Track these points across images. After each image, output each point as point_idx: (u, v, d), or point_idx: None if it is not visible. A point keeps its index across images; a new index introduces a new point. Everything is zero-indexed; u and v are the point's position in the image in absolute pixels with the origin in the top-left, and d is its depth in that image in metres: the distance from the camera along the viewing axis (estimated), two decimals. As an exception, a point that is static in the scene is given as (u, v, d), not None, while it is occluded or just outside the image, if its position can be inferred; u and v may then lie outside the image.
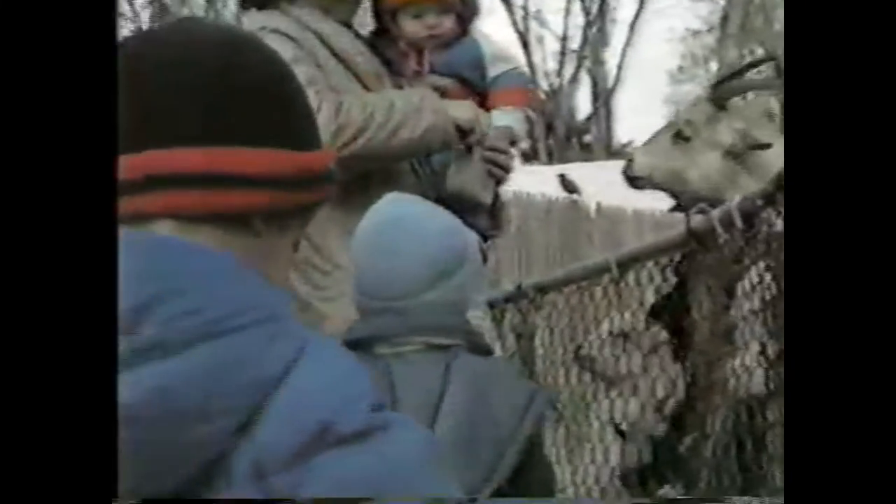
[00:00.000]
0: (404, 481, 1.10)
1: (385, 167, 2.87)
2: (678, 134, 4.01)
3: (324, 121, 2.59)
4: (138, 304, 1.06)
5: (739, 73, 3.93)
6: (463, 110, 2.86)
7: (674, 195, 4.08)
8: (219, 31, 1.26)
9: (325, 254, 2.79)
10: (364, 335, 2.26)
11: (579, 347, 3.99)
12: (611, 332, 3.81)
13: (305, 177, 1.21)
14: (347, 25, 2.92)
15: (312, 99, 2.68)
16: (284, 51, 2.65)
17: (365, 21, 3.11)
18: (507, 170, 3.10)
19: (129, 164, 1.10)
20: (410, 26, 2.90)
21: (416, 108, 2.82)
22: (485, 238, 3.02)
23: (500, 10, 27.05)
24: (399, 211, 2.32)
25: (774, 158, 3.31)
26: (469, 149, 2.97)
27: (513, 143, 3.12)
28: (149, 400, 1.04)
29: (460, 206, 2.77)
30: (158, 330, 1.06)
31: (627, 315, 3.72)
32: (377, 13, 2.96)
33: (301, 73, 2.74)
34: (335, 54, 2.79)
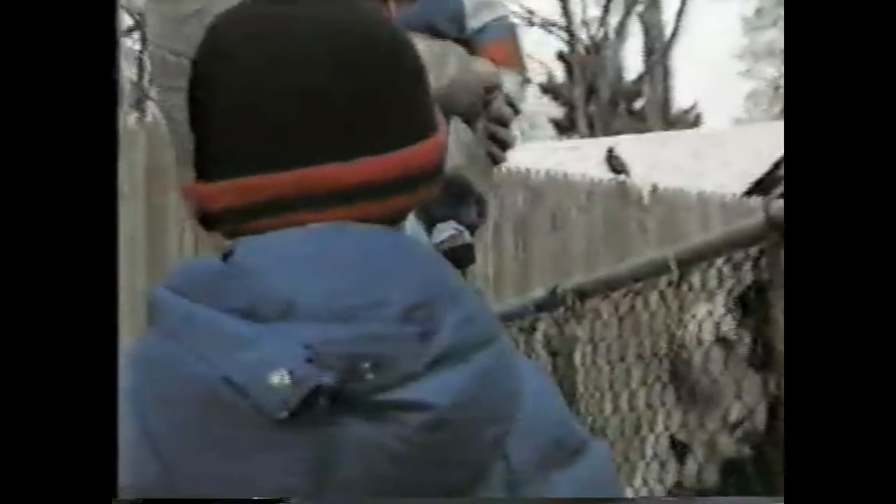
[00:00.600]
0: (610, 484, 1.51)
1: None
2: None
3: None
4: (419, 303, 1.32)
5: None
6: (485, 66, 2.88)
7: None
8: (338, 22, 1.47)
9: None
10: None
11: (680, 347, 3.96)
12: (712, 338, 3.80)
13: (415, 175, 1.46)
14: None
15: None
16: None
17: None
18: (508, 148, 3.15)
19: (338, 173, 1.38)
20: None
21: (440, 56, 2.86)
22: (471, 230, 3.06)
23: None
24: None
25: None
26: (468, 121, 3.00)
27: (515, 112, 3.18)
28: (456, 402, 1.30)
29: (448, 193, 2.77)
30: (451, 335, 1.32)
31: (725, 316, 3.72)
32: None
33: None
34: None
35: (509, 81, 3.10)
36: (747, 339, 3.48)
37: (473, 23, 3.09)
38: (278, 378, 1.25)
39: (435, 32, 3.02)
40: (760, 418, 3.52)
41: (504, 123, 3.05)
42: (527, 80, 3.17)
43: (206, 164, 1.40)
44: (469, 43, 3.13)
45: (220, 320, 1.29)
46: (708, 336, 3.70)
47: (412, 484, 1.34)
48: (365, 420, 1.30)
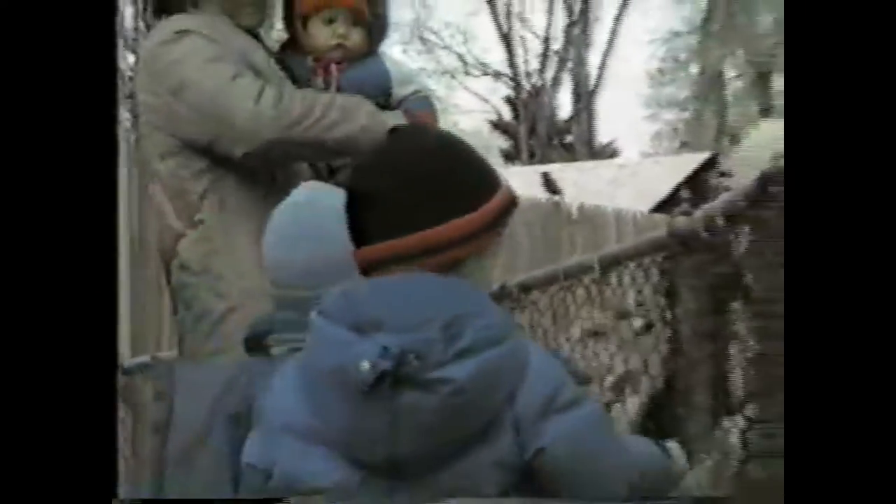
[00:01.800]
0: (602, 433, 1.83)
1: (287, 170, 2.85)
2: None
3: (264, 107, 2.67)
4: (455, 316, 1.72)
5: None
6: (395, 119, 2.84)
7: None
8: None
9: (230, 263, 2.76)
10: (271, 330, 2.20)
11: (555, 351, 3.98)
12: (584, 332, 3.81)
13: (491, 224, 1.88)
14: (255, 36, 2.91)
15: (252, 84, 2.74)
16: (205, 50, 2.71)
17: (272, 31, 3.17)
18: None
19: (430, 236, 1.79)
20: (322, 34, 2.89)
21: (353, 109, 2.82)
22: None
23: (484, 10, 27.04)
24: (317, 196, 2.25)
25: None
26: None
27: None
28: (474, 377, 1.68)
29: None
30: (474, 337, 1.70)
31: (597, 313, 3.72)
32: (288, 20, 2.95)
33: (231, 67, 2.80)
34: (252, 68, 2.78)
35: None
36: (653, 325, 3.50)
37: (398, 93, 3.04)
38: (365, 366, 1.68)
39: (364, 95, 2.97)
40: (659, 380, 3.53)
41: None
42: None
43: (366, 233, 1.83)
44: (394, 110, 2.98)
45: (341, 332, 1.75)
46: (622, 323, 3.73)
47: (447, 429, 1.70)
48: (415, 390, 1.69)
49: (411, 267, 1.78)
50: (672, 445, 2.24)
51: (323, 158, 2.90)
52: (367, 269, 1.84)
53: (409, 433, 1.70)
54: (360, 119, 2.78)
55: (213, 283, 2.76)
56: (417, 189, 1.80)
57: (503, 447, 1.71)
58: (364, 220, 1.84)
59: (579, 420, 1.75)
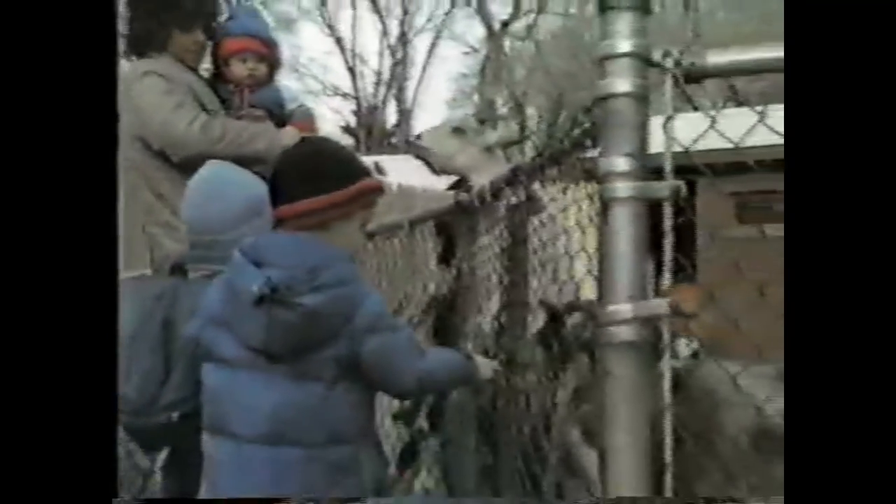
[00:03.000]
0: (403, 347, 1.92)
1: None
2: (455, 129, 4.01)
3: (195, 129, 2.81)
4: (316, 265, 1.82)
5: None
6: (289, 138, 2.96)
7: (437, 169, 4.08)
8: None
9: (175, 211, 2.84)
10: (187, 261, 2.29)
11: None
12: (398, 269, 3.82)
13: (355, 199, 1.92)
14: (195, 70, 3.02)
15: (189, 113, 2.83)
16: (160, 86, 2.81)
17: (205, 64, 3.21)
18: None
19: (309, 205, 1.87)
20: (238, 69, 3.05)
21: (260, 133, 2.99)
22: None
23: (336, 52, 27.45)
24: (218, 170, 2.34)
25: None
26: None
27: None
28: (322, 305, 1.79)
29: None
30: (325, 279, 1.80)
31: (408, 257, 3.75)
32: (215, 58, 3.07)
33: (177, 99, 2.87)
34: (195, 97, 2.91)
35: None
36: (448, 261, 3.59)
37: (289, 106, 3.23)
38: (254, 288, 1.79)
39: (269, 111, 3.13)
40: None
41: None
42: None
43: (276, 199, 1.92)
44: (286, 118, 3.18)
45: (247, 265, 1.85)
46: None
47: (302, 335, 1.81)
48: (283, 308, 1.79)
49: (299, 224, 1.88)
50: (479, 357, 2.27)
51: (243, 166, 2.94)
52: (276, 223, 1.93)
53: (277, 334, 1.80)
54: (264, 140, 2.93)
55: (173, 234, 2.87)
56: (304, 174, 1.90)
57: (340, 349, 1.81)
58: (277, 190, 1.93)
59: (389, 338, 1.85)
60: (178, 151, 2.94)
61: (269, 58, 3.16)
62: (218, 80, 3.19)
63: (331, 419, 1.81)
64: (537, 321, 2.48)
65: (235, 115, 3.08)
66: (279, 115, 3.18)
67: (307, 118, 3.27)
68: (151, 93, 2.88)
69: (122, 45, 3.11)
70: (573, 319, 2.34)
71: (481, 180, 3.11)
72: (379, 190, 1.98)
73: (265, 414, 1.80)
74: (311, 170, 1.90)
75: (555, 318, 2.44)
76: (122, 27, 2.99)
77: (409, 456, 3.54)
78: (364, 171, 1.96)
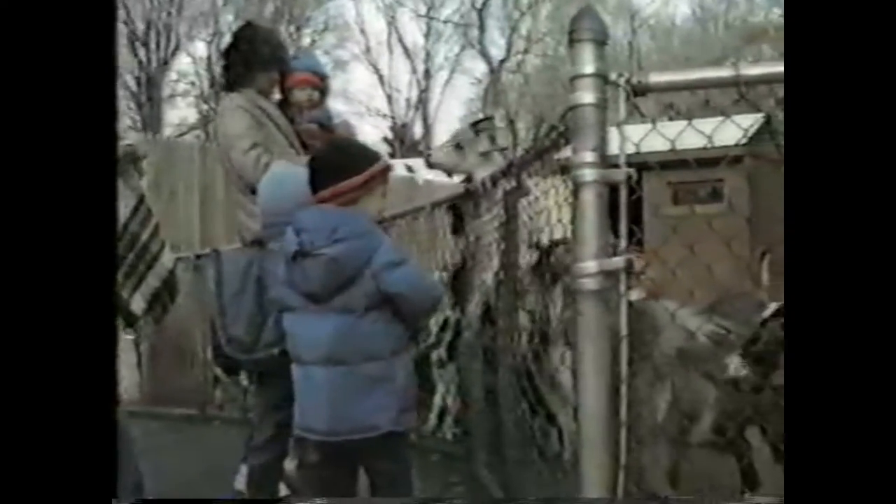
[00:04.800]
0: (417, 279, 1.90)
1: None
2: (457, 146, 3.95)
3: (249, 159, 2.73)
4: (336, 225, 1.82)
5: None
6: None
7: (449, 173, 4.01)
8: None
9: (254, 202, 2.84)
10: (263, 237, 2.27)
11: None
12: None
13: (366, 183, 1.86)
14: (267, 96, 2.97)
15: (253, 151, 2.72)
16: (245, 121, 2.77)
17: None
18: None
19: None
20: (299, 95, 3.04)
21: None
22: None
23: (377, 83, 27.49)
24: (283, 170, 2.27)
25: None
26: None
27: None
28: (341, 253, 1.80)
29: None
30: (343, 233, 1.80)
31: (429, 231, 3.72)
32: (282, 88, 3.04)
33: (252, 135, 2.86)
34: (270, 118, 2.87)
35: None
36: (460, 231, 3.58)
37: (335, 119, 3.16)
38: (293, 246, 1.84)
39: (321, 125, 3.05)
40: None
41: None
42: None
43: (316, 186, 1.92)
44: (334, 128, 3.10)
45: (291, 233, 1.88)
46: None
47: (330, 278, 1.81)
48: (311, 259, 1.82)
49: (335, 203, 1.89)
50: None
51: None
52: (318, 203, 1.92)
53: (313, 280, 1.85)
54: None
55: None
56: (332, 165, 1.92)
57: (365, 285, 1.82)
58: (315, 180, 1.93)
59: (405, 272, 1.84)
60: (235, 171, 2.97)
61: (322, 87, 3.33)
62: (285, 103, 3.25)
63: (365, 342, 1.84)
64: (531, 259, 2.51)
65: (297, 127, 3.11)
66: (328, 127, 3.27)
67: (347, 128, 3.34)
68: (235, 127, 2.88)
69: (217, 84, 3.13)
70: (557, 252, 2.36)
71: (481, 175, 3.16)
72: (388, 169, 1.96)
73: (319, 343, 1.85)
74: (337, 162, 1.92)
75: (544, 252, 2.45)
76: (218, 72, 3.00)
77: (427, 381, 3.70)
78: (375, 157, 1.97)
